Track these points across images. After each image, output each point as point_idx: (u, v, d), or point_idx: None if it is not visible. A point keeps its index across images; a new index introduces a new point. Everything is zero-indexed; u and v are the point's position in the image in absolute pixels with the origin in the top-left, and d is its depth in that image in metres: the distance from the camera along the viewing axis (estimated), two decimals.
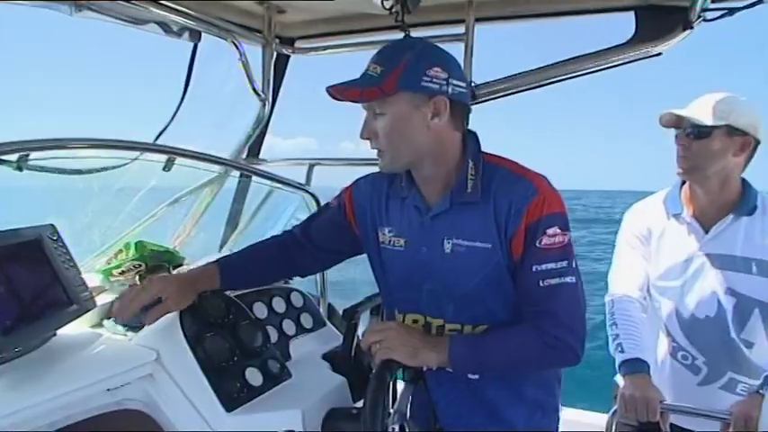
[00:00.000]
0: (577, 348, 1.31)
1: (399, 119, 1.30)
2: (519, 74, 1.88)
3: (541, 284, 1.29)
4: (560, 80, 1.85)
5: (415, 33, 1.87)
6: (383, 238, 1.50)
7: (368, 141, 1.36)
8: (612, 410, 1.78)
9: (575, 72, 1.81)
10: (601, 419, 2.21)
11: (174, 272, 1.84)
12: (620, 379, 1.77)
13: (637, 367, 1.71)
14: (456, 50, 1.91)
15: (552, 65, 1.82)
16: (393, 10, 1.56)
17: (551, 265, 1.29)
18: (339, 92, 1.31)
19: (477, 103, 1.91)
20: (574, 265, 1.32)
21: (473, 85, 1.87)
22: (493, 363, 1.36)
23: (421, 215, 1.42)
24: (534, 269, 1.29)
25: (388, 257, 1.50)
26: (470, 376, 1.45)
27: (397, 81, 1.26)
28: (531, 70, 1.87)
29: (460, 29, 1.88)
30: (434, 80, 1.27)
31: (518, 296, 1.36)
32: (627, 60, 1.74)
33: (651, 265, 1.87)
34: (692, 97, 1.70)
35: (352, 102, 1.33)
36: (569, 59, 1.79)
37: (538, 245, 1.28)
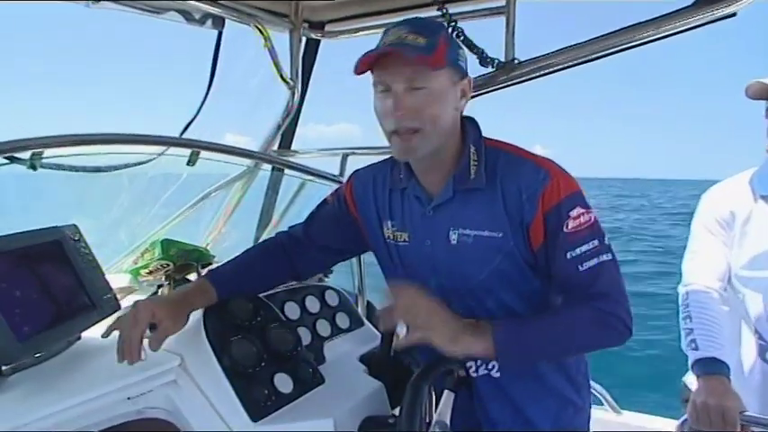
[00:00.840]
0: (630, 324, 1.25)
1: (440, 95, 1.21)
2: (568, 47, 1.70)
3: (581, 269, 1.22)
4: (615, 52, 1.66)
5: (452, 9, 1.73)
6: (387, 233, 1.43)
7: None
8: (682, 419, 1.59)
9: (632, 42, 1.60)
10: (668, 425, 2.01)
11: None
12: (691, 380, 1.57)
13: (713, 368, 1.52)
14: (496, 25, 1.76)
15: (606, 35, 1.63)
16: None
17: (585, 247, 1.22)
18: (387, 54, 1.18)
19: (520, 83, 1.75)
20: (606, 242, 1.25)
21: (516, 61, 1.71)
22: (543, 348, 1.27)
23: (423, 206, 1.34)
24: (569, 255, 1.22)
25: (393, 253, 1.42)
26: (493, 374, 1.37)
27: (446, 54, 1.20)
28: (581, 43, 1.69)
29: (501, 1, 1.72)
30: (464, 60, 1.25)
31: (558, 285, 1.29)
32: (694, 24, 1.52)
33: (734, 253, 1.67)
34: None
35: (392, 68, 1.19)
36: (626, 28, 1.58)
37: (565, 230, 1.22)
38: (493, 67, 1.69)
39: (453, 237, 1.30)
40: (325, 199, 1.58)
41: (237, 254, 1.58)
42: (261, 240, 2.26)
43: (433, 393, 1.33)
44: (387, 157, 1.47)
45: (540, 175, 1.23)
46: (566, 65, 1.71)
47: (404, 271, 1.41)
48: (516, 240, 1.25)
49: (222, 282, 1.45)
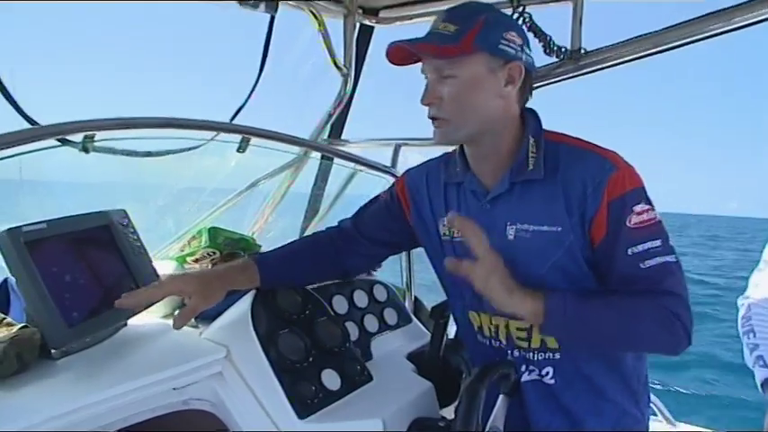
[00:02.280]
0: (691, 333, 1.16)
1: (472, 82, 1.18)
2: (638, 37, 1.59)
3: (643, 266, 1.15)
4: (694, 41, 1.55)
5: None
6: (444, 230, 1.37)
7: None
8: None
9: (713, 30, 1.49)
10: None
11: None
12: None
13: None
14: (562, 13, 1.67)
15: (685, 23, 1.52)
16: None
17: (649, 245, 1.15)
18: (410, 45, 1.20)
19: (586, 74, 1.66)
20: (670, 243, 1.18)
21: (582, 51, 1.61)
22: (593, 330, 1.18)
23: (479, 200, 1.29)
24: (630, 252, 1.15)
25: (449, 251, 1.36)
26: (546, 381, 1.29)
27: (475, 40, 1.15)
28: (652, 33, 1.58)
29: None
30: (511, 44, 1.18)
31: (617, 284, 1.19)
32: None
33: None
34: None
35: (426, 56, 1.20)
36: (708, 15, 1.47)
37: (628, 224, 1.15)
38: (558, 57, 1.60)
39: (510, 232, 1.25)
40: (377, 195, 1.54)
41: (282, 244, 1.54)
42: (308, 232, 2.24)
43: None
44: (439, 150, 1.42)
45: (606, 165, 1.17)
46: (635, 56, 1.61)
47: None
48: (576, 235, 1.19)
49: (269, 267, 1.41)
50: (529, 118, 1.27)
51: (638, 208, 1.16)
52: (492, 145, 1.25)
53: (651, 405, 1.67)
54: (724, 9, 1.46)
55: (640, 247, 1.15)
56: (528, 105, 1.29)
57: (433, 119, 1.23)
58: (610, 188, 1.15)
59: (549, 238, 1.21)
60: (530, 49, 1.23)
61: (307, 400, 1.29)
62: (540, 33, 1.54)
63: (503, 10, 1.57)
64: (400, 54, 1.23)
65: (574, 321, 1.16)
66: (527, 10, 1.53)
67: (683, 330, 1.15)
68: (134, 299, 1.26)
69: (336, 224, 1.56)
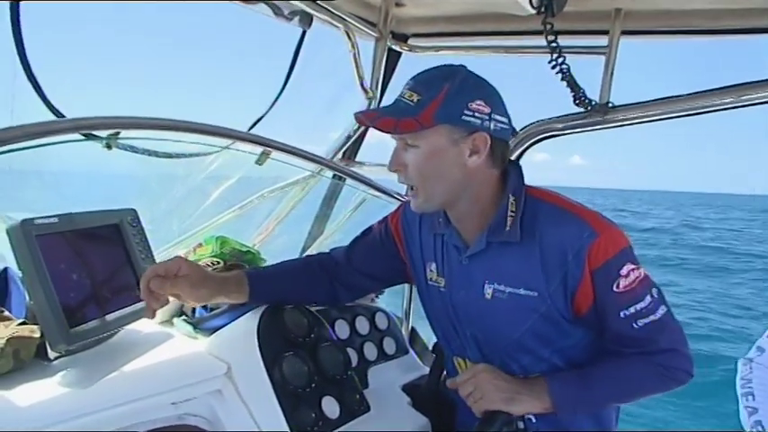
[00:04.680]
0: (692, 370, 1.24)
1: (433, 154, 1.17)
2: (667, 98, 1.62)
3: (636, 326, 1.18)
4: (717, 110, 1.58)
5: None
6: (430, 275, 1.38)
7: None
8: None
9: (741, 102, 1.53)
10: None
11: None
12: None
13: None
14: (595, 65, 1.69)
15: (712, 91, 1.55)
16: (539, 11, 1.35)
17: (639, 306, 1.17)
18: (370, 119, 1.22)
19: (610, 128, 1.67)
20: (657, 295, 1.20)
21: (610, 105, 1.63)
22: (602, 400, 1.28)
23: (459, 254, 1.29)
24: (623, 315, 1.18)
25: (435, 295, 1.38)
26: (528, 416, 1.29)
27: (435, 113, 1.13)
28: (682, 96, 1.61)
29: (603, 41, 1.65)
30: (476, 114, 1.15)
31: (610, 342, 1.24)
32: None
33: None
34: None
35: (383, 131, 1.19)
36: (737, 86, 1.51)
37: (616, 289, 1.16)
38: (586, 109, 1.62)
39: (488, 290, 1.25)
40: (371, 226, 1.52)
41: (281, 260, 1.52)
42: (311, 251, 2.21)
43: None
44: None
45: (585, 232, 1.15)
46: (661, 117, 1.63)
47: (444, 315, 1.37)
48: (555, 300, 1.20)
49: (259, 283, 1.38)
50: (511, 174, 1.24)
51: (624, 270, 1.16)
52: (467, 207, 1.24)
53: None
54: (754, 82, 1.50)
55: (632, 309, 1.17)
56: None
57: (408, 187, 1.24)
58: (592, 257, 1.14)
59: (526, 302, 1.21)
60: (503, 114, 1.18)
61: (307, 427, 1.27)
62: (573, 86, 1.55)
63: (542, 56, 1.60)
64: (364, 122, 1.25)
65: (582, 401, 1.23)
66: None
67: (685, 374, 1.23)
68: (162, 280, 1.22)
69: (329, 251, 1.53)
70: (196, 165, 1.75)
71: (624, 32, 1.63)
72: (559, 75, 1.51)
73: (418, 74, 1.20)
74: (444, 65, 1.20)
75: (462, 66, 1.20)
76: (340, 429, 1.32)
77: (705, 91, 1.58)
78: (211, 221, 1.88)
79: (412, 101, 1.15)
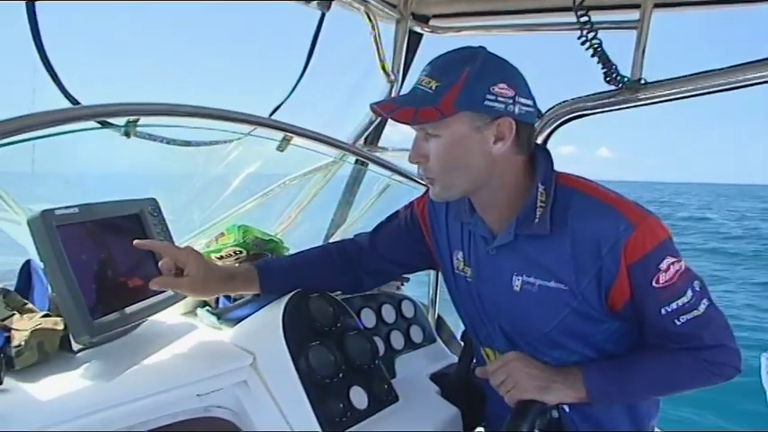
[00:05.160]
0: (740, 364, 1.17)
1: (456, 143, 1.11)
2: (700, 74, 1.54)
3: (678, 323, 1.12)
4: (752, 84, 1.51)
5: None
6: (457, 263, 1.33)
7: None
8: None
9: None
10: None
11: None
12: None
13: None
14: (626, 40, 1.62)
15: (749, 63, 1.47)
16: None
17: (681, 301, 1.11)
18: (388, 111, 1.15)
19: (642, 105, 1.60)
20: (699, 288, 1.13)
21: (643, 82, 1.56)
22: (638, 392, 1.22)
23: (486, 244, 1.24)
24: (663, 311, 1.11)
25: (462, 285, 1.33)
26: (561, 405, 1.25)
27: (456, 99, 1.07)
28: (715, 71, 1.54)
29: (634, 15, 1.57)
30: (500, 98, 1.08)
31: (653, 336, 1.18)
32: None
33: None
34: None
35: (404, 123, 1.13)
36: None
37: (655, 284, 1.09)
38: (617, 86, 1.55)
39: (517, 283, 1.20)
40: (396, 211, 1.48)
41: (304, 248, 1.49)
42: (334, 238, 2.18)
43: None
44: None
45: (622, 225, 1.08)
46: (695, 92, 1.56)
47: (471, 305, 1.33)
48: (587, 296, 1.14)
49: (270, 275, 1.35)
50: (539, 161, 1.18)
51: (663, 265, 1.09)
52: (492, 196, 1.18)
53: None
54: None
55: (673, 305, 1.11)
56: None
57: (426, 177, 1.18)
58: (628, 252, 1.08)
59: (557, 296, 1.16)
60: (527, 96, 1.11)
61: (335, 419, 1.24)
62: (606, 62, 1.48)
63: (570, 32, 1.54)
64: (381, 113, 1.17)
65: (618, 393, 1.18)
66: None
67: (730, 370, 1.16)
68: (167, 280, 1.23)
69: (352, 237, 1.50)
70: (216, 153, 1.71)
71: (657, 5, 1.55)
72: (590, 51, 1.44)
73: (435, 58, 1.13)
74: (463, 47, 1.14)
75: (482, 47, 1.13)
76: (368, 419, 1.29)
77: (742, 64, 1.50)
78: (233, 210, 1.85)
79: (430, 88, 1.09)
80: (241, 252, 1.64)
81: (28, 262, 1.32)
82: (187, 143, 1.49)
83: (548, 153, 1.20)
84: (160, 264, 1.23)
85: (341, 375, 1.30)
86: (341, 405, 1.26)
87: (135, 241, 1.23)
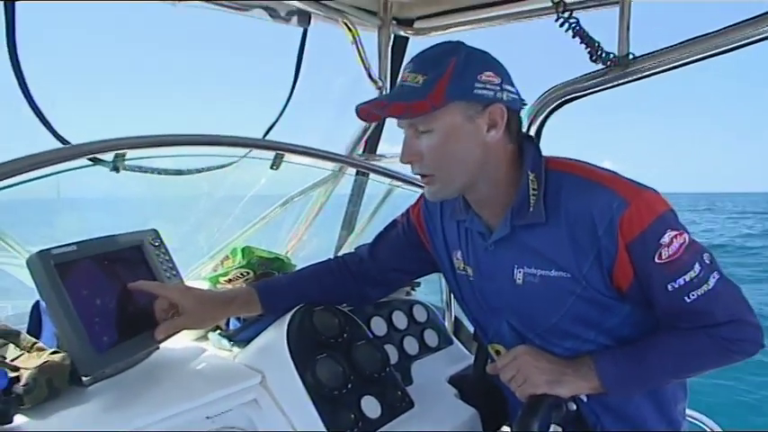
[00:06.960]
0: (761, 338, 1.11)
1: (450, 135, 1.09)
2: (688, 41, 1.49)
3: (689, 300, 1.07)
4: (743, 45, 1.46)
5: None
6: (457, 264, 1.32)
7: None
8: None
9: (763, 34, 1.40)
10: None
11: None
12: None
13: None
14: (608, 18, 1.59)
15: (733, 26, 1.42)
16: None
17: (688, 276, 1.06)
18: (378, 108, 1.13)
19: (634, 80, 1.56)
20: (708, 260, 1.09)
21: (631, 56, 1.53)
22: (654, 377, 1.16)
23: (484, 240, 1.23)
24: (671, 288, 1.07)
25: (464, 285, 1.32)
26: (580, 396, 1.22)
27: (446, 90, 1.06)
28: (704, 35, 1.49)
29: None
30: (488, 86, 1.08)
31: (662, 316, 1.13)
32: None
33: None
34: None
35: (394, 118, 1.13)
36: (755, 18, 1.38)
37: (658, 260, 1.05)
38: (605, 64, 1.52)
39: (518, 275, 1.18)
40: (394, 220, 1.48)
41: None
42: (344, 250, 2.18)
43: None
44: None
45: (615, 202, 1.05)
46: (686, 60, 1.51)
47: (475, 304, 1.31)
48: (591, 281, 1.11)
49: (270, 294, 1.36)
50: (527, 149, 1.17)
51: (665, 239, 1.05)
52: (488, 189, 1.17)
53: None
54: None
55: (680, 281, 1.06)
56: None
57: (421, 175, 1.16)
58: (624, 229, 1.05)
59: (560, 284, 1.14)
60: (511, 84, 1.12)
61: (346, 429, 1.23)
62: (587, 40, 1.45)
63: (547, 17, 1.52)
64: (371, 112, 1.15)
65: (634, 379, 1.14)
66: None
67: (750, 345, 1.11)
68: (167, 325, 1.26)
69: (350, 252, 1.51)
70: (212, 179, 1.74)
71: None
72: (570, 32, 1.42)
73: (416, 55, 1.13)
74: (442, 42, 1.14)
75: (461, 42, 1.13)
76: (383, 428, 1.28)
77: (738, 23, 1.44)
78: (239, 233, 1.87)
79: (417, 82, 1.08)
80: (248, 273, 1.65)
81: (37, 302, 1.36)
82: (179, 172, 1.51)
83: (533, 141, 1.19)
84: (155, 306, 1.26)
85: (350, 386, 1.29)
86: (352, 416, 1.25)
87: (128, 285, 1.26)
